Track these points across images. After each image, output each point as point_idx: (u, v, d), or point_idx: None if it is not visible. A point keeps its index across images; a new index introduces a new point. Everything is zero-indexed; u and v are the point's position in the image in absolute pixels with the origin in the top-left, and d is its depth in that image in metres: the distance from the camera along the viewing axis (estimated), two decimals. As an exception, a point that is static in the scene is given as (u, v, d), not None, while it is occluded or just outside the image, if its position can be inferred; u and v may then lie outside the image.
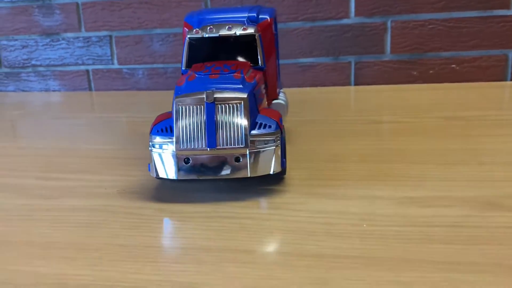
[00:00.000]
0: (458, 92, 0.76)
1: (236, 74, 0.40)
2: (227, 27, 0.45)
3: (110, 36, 0.93)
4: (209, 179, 0.38)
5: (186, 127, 0.37)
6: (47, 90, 1.00)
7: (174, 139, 0.38)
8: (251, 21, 0.50)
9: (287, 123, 0.63)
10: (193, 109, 0.37)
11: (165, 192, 0.41)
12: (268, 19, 0.51)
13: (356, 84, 0.88)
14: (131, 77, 0.95)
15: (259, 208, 0.37)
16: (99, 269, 0.29)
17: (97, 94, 0.95)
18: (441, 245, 0.29)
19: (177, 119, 0.38)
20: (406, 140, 0.51)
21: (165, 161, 0.38)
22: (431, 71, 0.84)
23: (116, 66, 0.95)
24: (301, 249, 0.30)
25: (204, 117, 0.37)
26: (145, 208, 0.37)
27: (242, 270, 0.28)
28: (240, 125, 0.37)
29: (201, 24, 0.49)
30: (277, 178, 0.42)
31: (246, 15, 0.50)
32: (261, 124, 0.39)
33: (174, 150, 0.37)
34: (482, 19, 0.81)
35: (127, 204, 0.38)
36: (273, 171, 0.38)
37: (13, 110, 0.83)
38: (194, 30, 0.46)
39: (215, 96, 0.37)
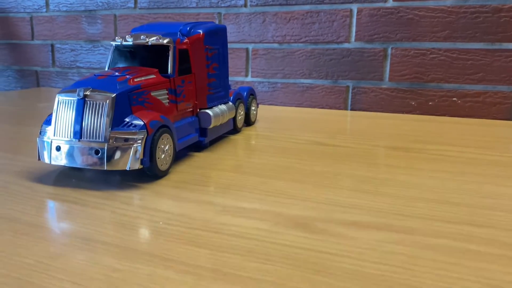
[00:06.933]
0: (450, 126, 0.71)
1: (122, 77, 0.44)
2: (141, 36, 0.50)
3: (138, 46, 1.03)
4: (75, 167, 0.43)
5: (60, 119, 0.42)
6: (86, 89, 1.12)
7: (51, 129, 0.43)
8: (183, 34, 0.54)
9: (247, 136, 0.65)
10: (67, 103, 0.42)
11: (53, 175, 0.46)
12: (200, 33, 0.55)
13: (352, 109, 0.86)
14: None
15: (103, 199, 0.40)
16: None
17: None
18: (187, 246, 0.30)
19: (55, 112, 0.43)
20: (319, 162, 0.51)
21: (44, 147, 0.43)
22: (430, 103, 0.80)
23: (141, 73, 1.04)
24: (88, 234, 0.33)
25: (74, 111, 0.42)
26: (20, 185, 0.43)
27: (28, 240, 0.32)
28: (103, 121, 0.41)
29: (135, 34, 0.54)
30: (154, 178, 0.45)
31: (180, 28, 0.55)
32: (127, 123, 0.42)
33: (49, 138, 0.43)
34: (489, 52, 0.75)
35: (11, 180, 0.44)
36: (129, 168, 0.41)
37: (43, 102, 0.96)
38: (117, 37, 0.51)
39: (85, 93, 0.42)
